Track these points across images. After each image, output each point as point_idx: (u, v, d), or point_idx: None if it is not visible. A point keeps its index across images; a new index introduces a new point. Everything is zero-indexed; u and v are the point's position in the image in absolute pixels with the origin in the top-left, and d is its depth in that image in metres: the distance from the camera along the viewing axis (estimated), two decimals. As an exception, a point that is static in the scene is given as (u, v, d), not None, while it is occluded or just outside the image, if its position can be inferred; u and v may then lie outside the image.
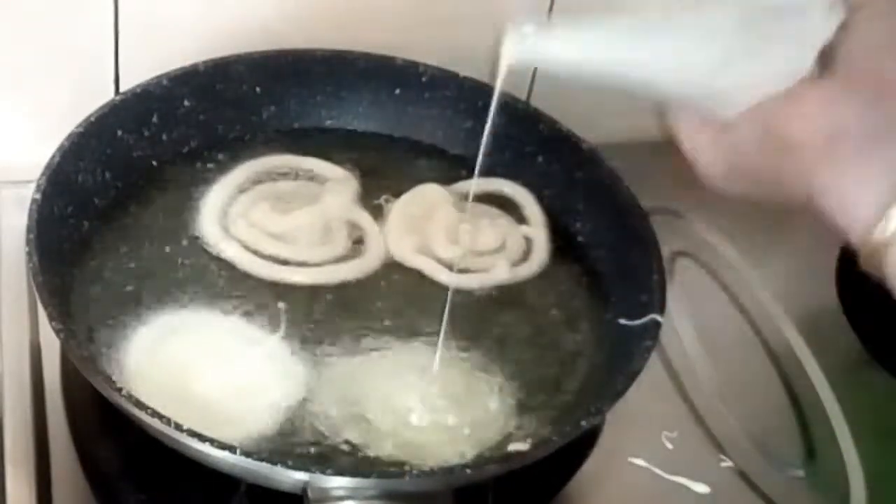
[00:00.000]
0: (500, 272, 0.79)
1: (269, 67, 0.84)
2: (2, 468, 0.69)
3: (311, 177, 0.82)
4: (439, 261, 0.79)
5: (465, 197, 0.83)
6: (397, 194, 0.82)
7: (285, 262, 0.77)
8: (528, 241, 0.82)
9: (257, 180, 0.81)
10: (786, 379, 0.82)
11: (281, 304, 0.74)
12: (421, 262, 0.79)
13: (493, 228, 0.81)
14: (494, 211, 0.83)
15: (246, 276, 0.76)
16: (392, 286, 0.78)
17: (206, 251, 0.77)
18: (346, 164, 0.84)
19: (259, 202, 0.79)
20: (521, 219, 0.83)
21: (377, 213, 0.81)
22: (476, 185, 0.83)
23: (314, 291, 0.76)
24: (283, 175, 0.82)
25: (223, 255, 0.76)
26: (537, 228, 0.83)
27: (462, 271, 0.78)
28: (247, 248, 0.77)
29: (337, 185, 0.81)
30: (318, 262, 0.77)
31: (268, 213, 0.78)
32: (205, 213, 0.78)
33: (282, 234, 0.78)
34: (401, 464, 0.67)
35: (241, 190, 0.80)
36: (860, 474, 0.76)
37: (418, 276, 0.78)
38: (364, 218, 0.80)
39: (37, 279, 0.67)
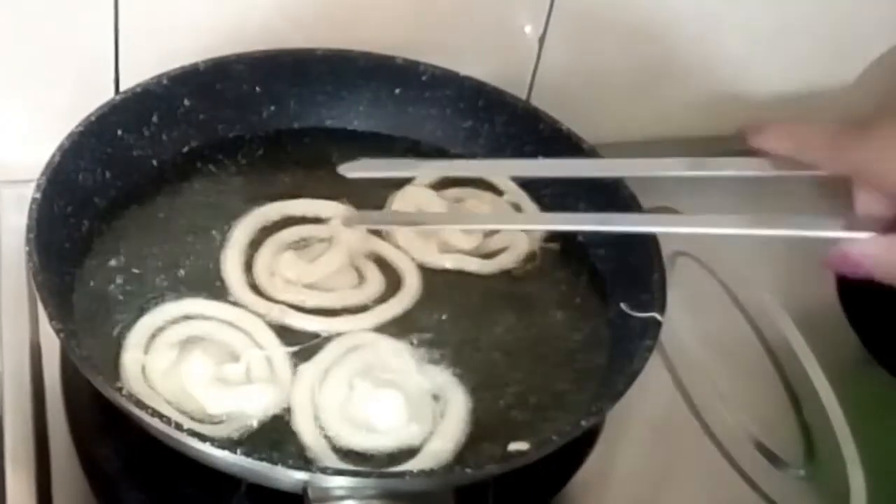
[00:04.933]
0: (523, 243, 0.80)
1: (269, 67, 0.84)
2: (2, 468, 0.69)
3: (309, 218, 0.80)
4: (465, 253, 0.79)
5: (436, 186, 0.83)
6: (382, 200, 0.81)
7: (334, 313, 0.74)
8: (517, 207, 0.83)
9: (261, 236, 0.78)
10: (786, 379, 0.82)
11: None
12: (449, 260, 0.79)
13: (485, 207, 0.82)
14: (474, 191, 0.84)
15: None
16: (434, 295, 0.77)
17: (210, 250, 0.77)
18: (346, 162, 0.84)
19: (279, 255, 0.77)
20: (496, 191, 0.84)
21: (376, 230, 0.80)
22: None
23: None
24: (284, 222, 0.79)
25: (282, 323, 0.73)
26: (515, 193, 0.84)
27: (486, 256, 0.79)
28: (293, 306, 0.74)
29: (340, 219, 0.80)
30: (365, 303, 0.75)
31: (296, 264, 0.76)
32: (233, 282, 0.75)
33: (316, 283, 0.76)
34: (399, 462, 0.67)
35: (253, 248, 0.77)
36: (860, 474, 0.76)
37: (451, 274, 0.79)
38: (384, 246, 0.79)
39: (37, 278, 0.67)
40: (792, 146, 0.65)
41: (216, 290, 0.75)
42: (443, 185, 0.83)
